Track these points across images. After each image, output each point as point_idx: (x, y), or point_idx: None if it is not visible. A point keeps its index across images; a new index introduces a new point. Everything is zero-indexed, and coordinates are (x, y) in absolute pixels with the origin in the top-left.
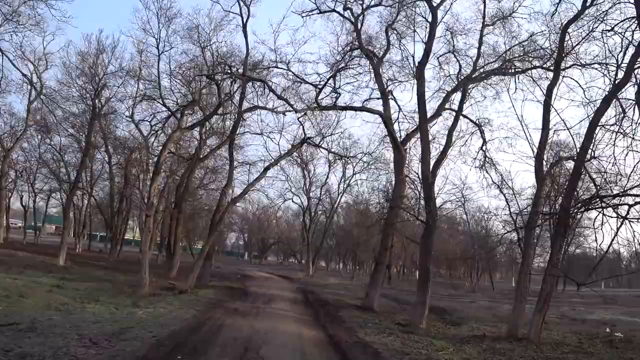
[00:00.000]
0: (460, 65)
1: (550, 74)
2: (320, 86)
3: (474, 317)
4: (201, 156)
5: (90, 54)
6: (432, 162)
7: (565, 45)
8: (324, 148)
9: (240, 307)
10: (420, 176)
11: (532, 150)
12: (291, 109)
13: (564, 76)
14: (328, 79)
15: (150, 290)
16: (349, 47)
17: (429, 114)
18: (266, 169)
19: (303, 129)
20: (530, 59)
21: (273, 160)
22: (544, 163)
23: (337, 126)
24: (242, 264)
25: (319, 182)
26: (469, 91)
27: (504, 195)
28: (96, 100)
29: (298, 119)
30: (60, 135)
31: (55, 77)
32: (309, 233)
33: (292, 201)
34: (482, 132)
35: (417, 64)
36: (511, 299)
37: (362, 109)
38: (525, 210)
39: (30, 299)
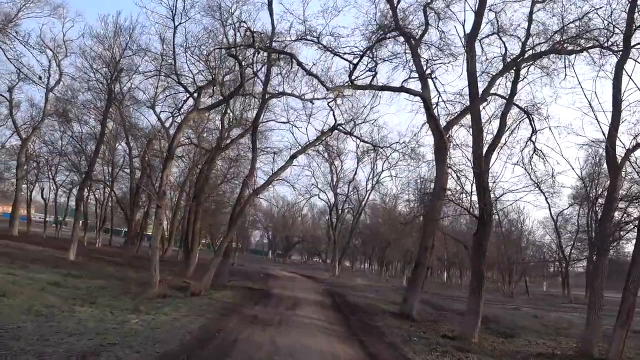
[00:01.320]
0: (506, 48)
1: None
2: (354, 61)
3: (523, 327)
4: (222, 145)
5: (107, 36)
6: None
7: (635, 17)
8: (355, 136)
9: (260, 314)
10: (472, 164)
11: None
12: (319, 95)
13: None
14: (364, 52)
15: (159, 291)
16: (383, 30)
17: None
18: (292, 157)
19: (333, 115)
20: (590, 37)
21: (300, 147)
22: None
23: (370, 113)
24: (265, 262)
25: (346, 178)
26: (521, 72)
27: (543, 193)
28: (113, 86)
29: (328, 104)
30: (80, 124)
31: (74, 64)
32: (335, 231)
33: (319, 197)
34: (531, 121)
35: (466, 36)
36: (551, 306)
37: (402, 89)
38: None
39: (12, 299)
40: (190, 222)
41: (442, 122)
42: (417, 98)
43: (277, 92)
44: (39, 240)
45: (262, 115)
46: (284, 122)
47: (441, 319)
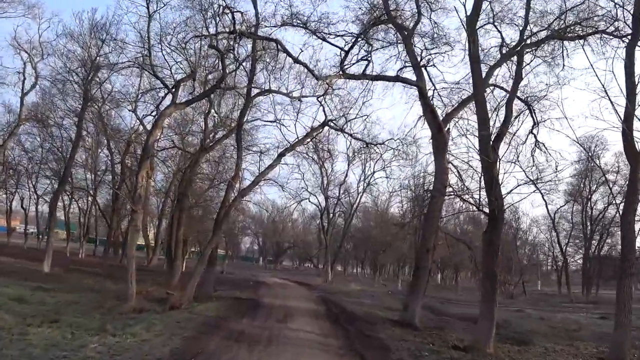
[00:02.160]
0: (502, 37)
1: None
2: (346, 48)
3: (533, 331)
4: (206, 147)
5: (83, 33)
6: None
7: None
8: (347, 133)
9: (247, 329)
10: (479, 154)
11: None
12: (308, 91)
13: None
14: (357, 37)
15: (136, 305)
16: (374, 21)
17: (466, 94)
18: (280, 155)
19: (324, 111)
20: (593, 22)
21: (288, 145)
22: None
23: (362, 108)
24: (256, 269)
25: (337, 181)
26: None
27: (539, 190)
28: (89, 85)
29: (318, 99)
30: (60, 130)
31: (49, 64)
32: (327, 236)
33: (309, 201)
34: (532, 112)
35: (467, 18)
36: (553, 306)
37: (397, 78)
38: None
39: None
40: (174, 229)
41: (440, 115)
42: (412, 90)
43: (263, 89)
44: (17, 251)
45: (247, 113)
46: (270, 122)
47: (444, 325)
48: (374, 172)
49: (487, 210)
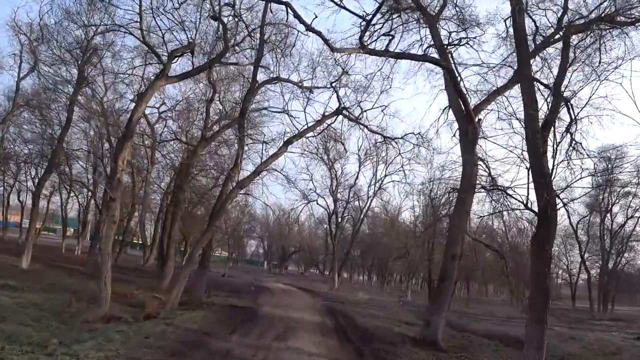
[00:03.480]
0: (536, 26)
1: None
2: (368, 17)
3: (571, 354)
4: (207, 137)
5: (80, 12)
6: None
7: None
8: (362, 124)
9: (235, 350)
10: (528, 145)
11: None
12: (320, 80)
13: None
14: (380, 4)
15: (108, 311)
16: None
17: (498, 83)
18: (287, 142)
19: (337, 98)
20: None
21: (297, 132)
22: None
23: (379, 97)
24: (260, 273)
25: (346, 183)
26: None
27: (561, 200)
28: (85, 66)
29: (331, 85)
30: (59, 117)
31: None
32: (334, 241)
33: (317, 203)
34: (569, 108)
35: None
36: (577, 323)
37: (425, 58)
38: None
39: None
40: (167, 226)
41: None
42: (437, 78)
43: (271, 76)
44: (6, 246)
45: (252, 99)
46: (278, 111)
47: (470, 345)
48: (385, 175)
49: (535, 209)
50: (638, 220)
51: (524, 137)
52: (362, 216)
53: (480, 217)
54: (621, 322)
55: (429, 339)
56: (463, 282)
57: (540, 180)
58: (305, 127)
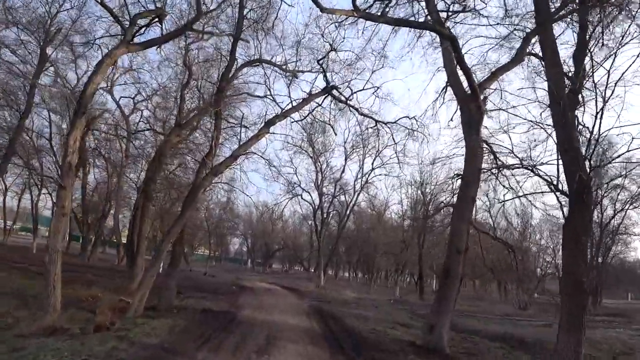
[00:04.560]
0: None
1: None
2: None
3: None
4: (180, 123)
5: None
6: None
7: None
8: (352, 106)
9: None
10: (553, 116)
11: None
12: (305, 63)
13: None
14: None
15: (55, 319)
16: None
17: (502, 59)
18: (268, 123)
19: (325, 77)
20: None
21: (280, 111)
22: None
23: (371, 78)
24: (243, 271)
25: (332, 178)
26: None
27: (554, 190)
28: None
29: (318, 62)
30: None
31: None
32: (320, 237)
33: (302, 198)
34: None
35: None
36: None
37: (425, 25)
38: None
39: None
40: (137, 221)
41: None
42: (435, 57)
43: (251, 59)
44: None
45: (230, 75)
46: (260, 97)
47: (474, 349)
48: (372, 168)
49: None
50: (625, 213)
51: (548, 105)
52: (348, 211)
53: (502, 201)
54: (620, 317)
55: (433, 345)
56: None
57: (571, 155)
58: (290, 106)
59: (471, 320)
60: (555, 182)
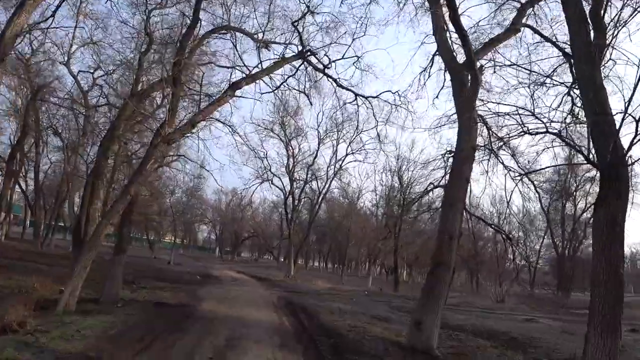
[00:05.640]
0: None
1: None
2: None
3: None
4: (136, 93)
5: None
6: None
7: None
8: (330, 77)
9: None
10: (578, 79)
11: None
12: (279, 33)
13: None
14: None
15: None
16: None
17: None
18: (233, 85)
19: (300, 40)
20: None
21: (248, 73)
22: None
23: (352, 47)
24: (211, 260)
25: (304, 163)
26: None
27: (533, 182)
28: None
29: (293, 24)
30: None
31: None
32: (291, 224)
33: (272, 183)
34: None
35: None
36: (556, 314)
37: None
38: None
39: None
40: (86, 202)
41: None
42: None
43: (218, 26)
44: None
45: (195, 40)
46: (227, 67)
47: (464, 348)
48: (347, 154)
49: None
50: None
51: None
52: (320, 198)
53: (520, 175)
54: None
55: (420, 343)
56: (425, 267)
57: (602, 120)
58: (260, 69)
59: (450, 313)
60: (585, 154)
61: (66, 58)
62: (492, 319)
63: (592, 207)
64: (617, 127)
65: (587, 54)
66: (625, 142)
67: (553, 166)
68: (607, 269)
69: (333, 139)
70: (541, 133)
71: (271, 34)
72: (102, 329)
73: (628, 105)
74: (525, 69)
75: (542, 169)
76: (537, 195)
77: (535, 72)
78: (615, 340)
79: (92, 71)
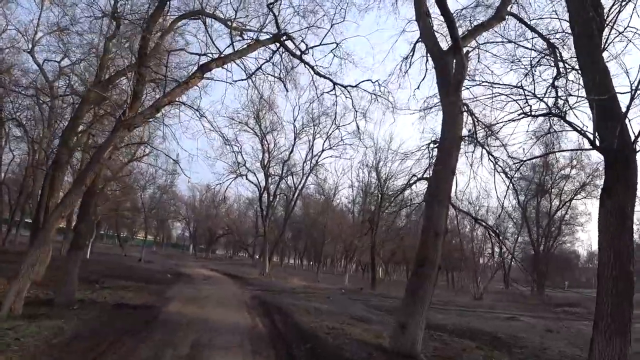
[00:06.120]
0: None
1: None
2: None
3: (567, 357)
4: (101, 80)
5: None
6: None
7: None
8: (307, 63)
9: None
10: (581, 58)
11: None
12: (254, 22)
13: None
14: None
15: None
16: None
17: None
18: (203, 67)
19: (276, 23)
20: None
21: (218, 54)
22: None
23: (330, 33)
24: (184, 258)
25: (279, 158)
26: None
27: (510, 178)
28: None
29: (268, 6)
30: None
31: None
32: (266, 221)
33: (246, 179)
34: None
35: None
36: (537, 312)
37: None
38: None
39: None
40: (45, 194)
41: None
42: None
43: (189, 11)
44: None
45: (162, 16)
46: (199, 54)
47: (448, 350)
48: (323, 149)
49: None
50: (570, 204)
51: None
52: (296, 194)
53: (521, 161)
54: (578, 308)
55: (405, 350)
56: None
57: (607, 104)
58: (232, 51)
59: (430, 312)
60: (591, 139)
61: (30, 46)
62: (472, 317)
63: (566, 204)
64: (625, 109)
65: (587, 30)
66: (633, 125)
67: (552, 152)
68: (615, 264)
69: (309, 133)
70: (543, 115)
71: (246, 20)
72: (46, 336)
73: (639, 85)
74: (511, 60)
75: (539, 156)
76: (514, 191)
77: (520, 63)
78: (624, 344)
79: (58, 60)
